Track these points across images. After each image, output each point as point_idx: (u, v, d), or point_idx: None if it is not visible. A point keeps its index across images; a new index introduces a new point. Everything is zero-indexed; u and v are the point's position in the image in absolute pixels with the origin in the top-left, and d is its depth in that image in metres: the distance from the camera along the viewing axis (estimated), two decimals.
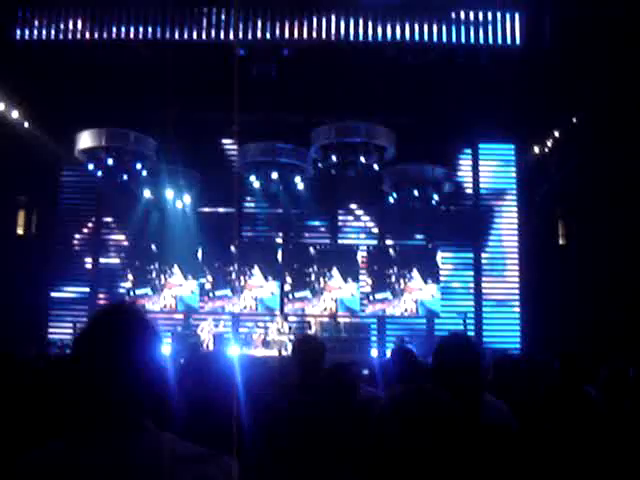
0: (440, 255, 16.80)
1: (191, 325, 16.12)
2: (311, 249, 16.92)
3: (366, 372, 6.16)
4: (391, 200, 16.22)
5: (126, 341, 1.82)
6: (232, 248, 16.85)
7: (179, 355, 11.48)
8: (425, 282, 16.56)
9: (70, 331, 16.03)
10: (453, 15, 14.60)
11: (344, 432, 3.35)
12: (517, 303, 16.87)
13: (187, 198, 16.49)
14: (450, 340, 3.33)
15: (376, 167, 14.97)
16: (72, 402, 1.81)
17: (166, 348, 13.75)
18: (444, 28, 14.58)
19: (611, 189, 13.22)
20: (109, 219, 17.32)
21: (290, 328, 15.20)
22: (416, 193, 15.73)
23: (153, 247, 16.75)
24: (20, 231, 16.34)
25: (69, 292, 16.91)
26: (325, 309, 16.41)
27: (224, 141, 17.38)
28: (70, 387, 1.91)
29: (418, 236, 17.26)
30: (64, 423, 3.14)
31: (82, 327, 1.91)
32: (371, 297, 16.64)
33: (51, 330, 16.42)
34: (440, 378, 3.16)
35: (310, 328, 15.48)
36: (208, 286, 16.63)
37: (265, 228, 17.56)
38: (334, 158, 14.54)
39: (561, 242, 16.08)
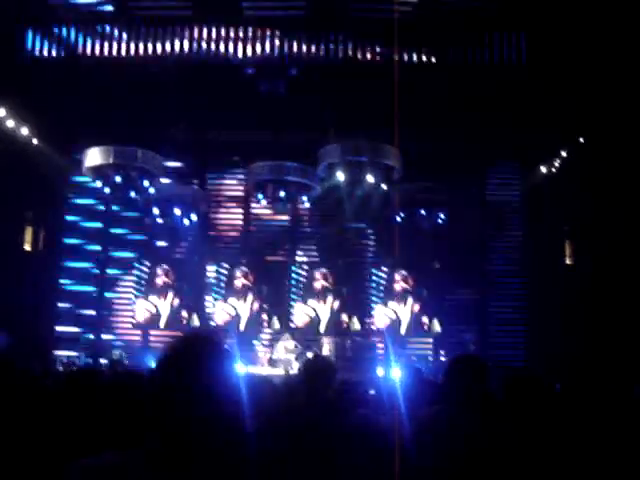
0: (446, 275, 16.83)
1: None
2: (319, 271, 16.91)
3: (372, 392, 6.13)
4: (398, 219, 16.21)
5: (208, 372, 1.84)
6: (239, 268, 16.81)
7: None
8: (431, 302, 16.55)
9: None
10: (458, 34, 14.63)
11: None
12: (523, 322, 16.79)
13: (194, 216, 16.49)
14: (461, 360, 3.40)
15: (383, 186, 14.99)
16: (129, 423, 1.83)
17: None
18: (450, 47, 14.63)
19: (618, 208, 13.21)
20: (117, 236, 17.28)
21: (296, 346, 15.16)
22: (423, 212, 15.76)
23: (162, 266, 16.79)
24: (27, 247, 16.36)
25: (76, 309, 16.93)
26: (332, 327, 16.37)
27: (232, 159, 17.41)
28: (138, 408, 1.92)
29: (424, 255, 17.24)
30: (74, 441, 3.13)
31: (163, 354, 1.92)
32: (377, 316, 16.61)
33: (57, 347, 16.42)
34: (450, 395, 3.20)
35: (320, 347, 15.44)
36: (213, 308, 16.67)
37: (272, 247, 17.57)
38: (341, 177, 14.56)
39: (568, 262, 16.03)
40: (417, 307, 16.48)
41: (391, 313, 16.54)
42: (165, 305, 16.53)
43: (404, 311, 16.51)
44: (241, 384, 1.94)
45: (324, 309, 16.52)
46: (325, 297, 16.59)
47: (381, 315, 16.59)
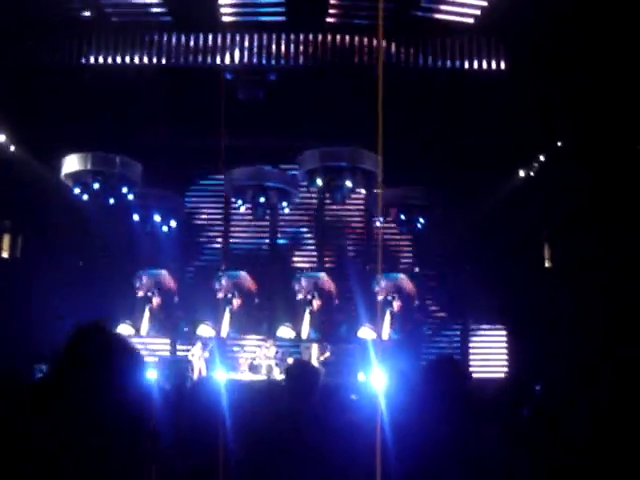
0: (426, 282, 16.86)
1: (177, 350, 16.19)
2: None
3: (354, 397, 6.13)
4: (378, 224, 16.21)
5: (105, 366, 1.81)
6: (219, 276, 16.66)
7: (168, 381, 11.35)
8: (411, 310, 16.52)
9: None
10: (436, 39, 14.65)
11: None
12: (504, 328, 16.83)
13: (173, 223, 16.37)
14: (437, 363, 3.47)
15: (363, 191, 15.01)
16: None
17: (152, 374, 13.62)
18: (429, 51, 14.63)
19: (597, 211, 13.31)
20: (97, 243, 17.07)
21: (277, 352, 15.11)
22: (403, 217, 15.73)
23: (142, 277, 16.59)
24: (5, 255, 16.24)
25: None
26: (315, 333, 16.31)
27: (210, 165, 17.31)
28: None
29: (404, 262, 17.28)
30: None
31: (61, 352, 1.90)
32: (359, 321, 16.55)
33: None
34: (427, 399, 3.23)
35: (302, 353, 15.40)
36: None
37: (253, 254, 17.54)
38: (320, 182, 14.52)
39: (547, 265, 16.12)
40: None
41: (372, 319, 16.49)
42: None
43: (384, 318, 16.46)
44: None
45: (308, 317, 16.39)
46: (309, 305, 16.44)
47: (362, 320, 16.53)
